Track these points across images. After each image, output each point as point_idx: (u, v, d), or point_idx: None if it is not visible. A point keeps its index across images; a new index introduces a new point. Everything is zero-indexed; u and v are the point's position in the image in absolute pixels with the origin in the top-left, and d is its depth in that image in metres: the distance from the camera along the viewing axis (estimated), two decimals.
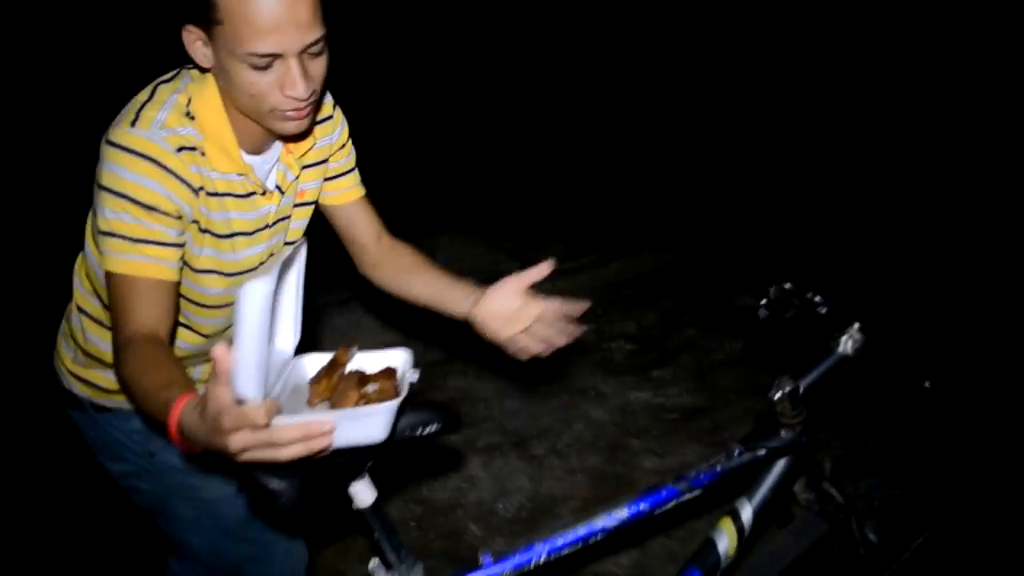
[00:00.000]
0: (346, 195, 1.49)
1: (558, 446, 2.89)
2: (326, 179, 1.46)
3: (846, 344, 1.33)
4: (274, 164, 1.34)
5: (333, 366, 1.10)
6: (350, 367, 1.12)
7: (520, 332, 1.34)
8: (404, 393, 1.03)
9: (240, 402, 0.91)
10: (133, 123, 1.17)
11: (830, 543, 1.46)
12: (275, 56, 1.10)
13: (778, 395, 1.33)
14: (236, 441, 0.90)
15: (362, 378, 1.07)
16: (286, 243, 1.42)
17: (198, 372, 1.48)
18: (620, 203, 5.00)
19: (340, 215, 1.51)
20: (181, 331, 1.38)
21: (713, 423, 2.97)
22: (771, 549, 1.45)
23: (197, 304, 1.35)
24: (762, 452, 1.36)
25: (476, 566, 1.25)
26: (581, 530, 1.29)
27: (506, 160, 5.60)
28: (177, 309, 1.23)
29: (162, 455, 1.43)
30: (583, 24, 7.20)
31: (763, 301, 1.40)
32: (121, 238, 1.15)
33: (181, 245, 1.22)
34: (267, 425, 0.90)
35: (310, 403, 1.09)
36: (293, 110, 1.16)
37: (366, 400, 1.04)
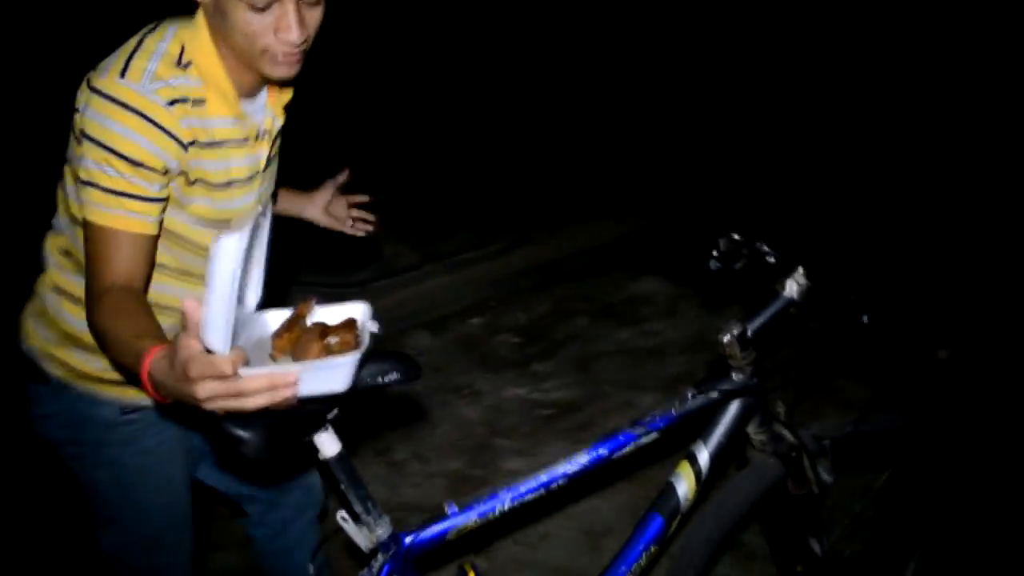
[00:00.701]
0: None
1: (421, 450, 2.85)
2: None
3: (791, 288, 1.38)
4: (263, 110, 1.35)
5: (295, 320, 1.12)
6: (311, 320, 1.15)
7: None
8: (365, 344, 1.06)
9: (208, 352, 0.93)
10: (123, 73, 1.15)
11: (785, 483, 1.51)
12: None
13: (727, 338, 1.38)
14: (203, 389, 0.92)
15: (324, 330, 1.10)
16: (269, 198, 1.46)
17: None
18: (531, 192, 5.03)
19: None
20: (187, 280, 1.38)
21: (586, 418, 2.98)
22: (729, 492, 1.50)
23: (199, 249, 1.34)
24: (715, 395, 1.41)
25: (442, 515, 1.29)
26: (543, 476, 1.33)
27: (412, 149, 5.58)
28: (153, 261, 1.24)
29: (116, 449, 1.42)
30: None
31: (714, 253, 1.44)
32: (102, 190, 1.15)
33: (164, 200, 1.21)
34: (234, 375, 0.93)
35: (273, 357, 1.12)
36: (284, 54, 1.18)
37: (328, 351, 1.07)
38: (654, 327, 3.55)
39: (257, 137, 1.34)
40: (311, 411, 1.11)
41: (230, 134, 1.28)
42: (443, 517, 1.28)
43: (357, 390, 1.12)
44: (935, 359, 1.14)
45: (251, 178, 1.35)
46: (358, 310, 1.15)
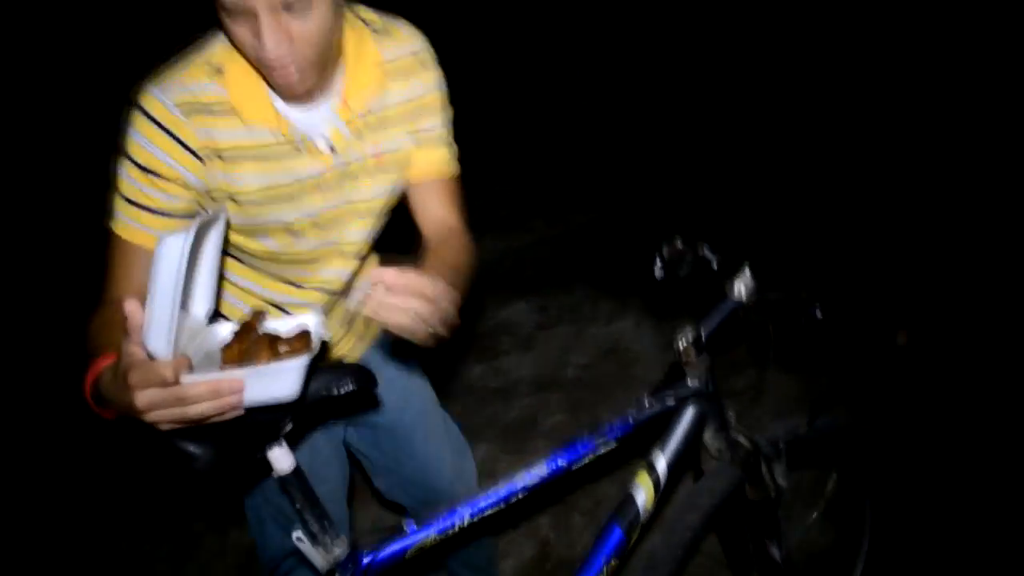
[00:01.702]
0: (420, 170, 1.38)
1: None
2: (414, 145, 1.36)
3: (739, 290, 1.40)
4: (327, 119, 1.25)
5: (245, 330, 1.09)
6: (263, 331, 1.12)
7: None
8: (314, 350, 1.04)
9: (151, 359, 0.90)
10: (154, 81, 1.14)
11: (743, 489, 1.51)
12: (243, 8, 1.03)
13: (682, 343, 1.39)
14: (143, 397, 0.89)
15: (274, 340, 1.07)
16: (361, 215, 1.35)
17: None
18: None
19: (412, 196, 1.41)
20: (274, 283, 1.40)
21: None
22: (689, 501, 1.49)
23: (268, 259, 1.35)
24: (671, 401, 1.41)
25: (402, 533, 1.25)
26: (502, 490, 1.30)
27: None
28: None
29: None
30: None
31: (657, 261, 1.45)
32: (121, 198, 1.16)
33: (183, 217, 1.18)
34: (175, 382, 0.90)
35: (223, 368, 1.08)
36: (273, 68, 1.09)
37: (277, 359, 1.04)
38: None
39: (308, 149, 1.24)
40: (262, 423, 1.08)
41: (260, 147, 1.20)
42: (402, 534, 1.25)
43: (309, 400, 1.09)
44: (894, 344, 1.16)
45: (300, 195, 1.26)
46: (310, 320, 1.13)
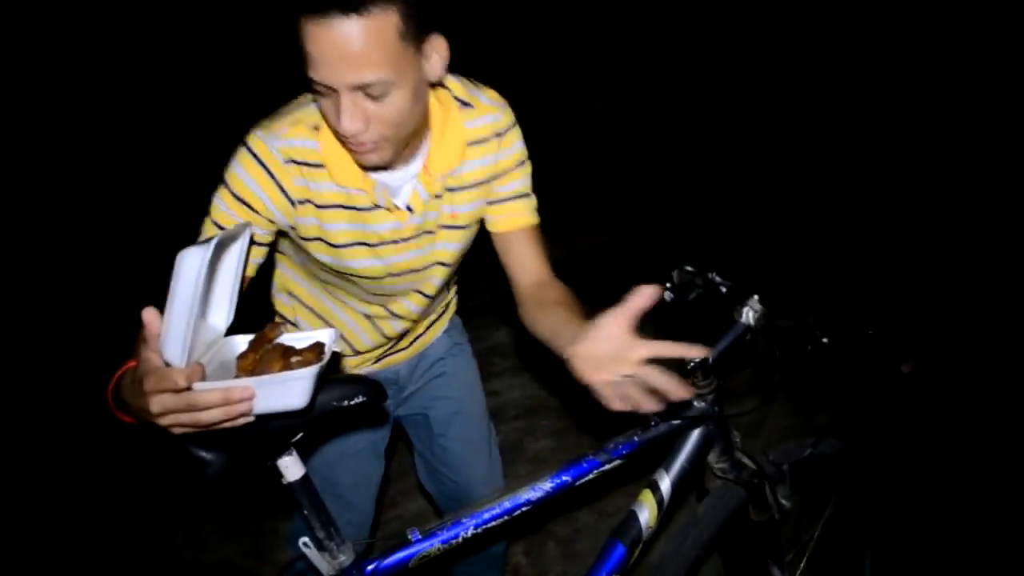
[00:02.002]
0: (505, 222, 1.48)
1: None
2: (489, 203, 1.48)
3: (747, 315, 1.41)
4: (408, 181, 1.37)
5: (259, 341, 1.13)
6: (278, 343, 1.15)
7: (609, 379, 1.11)
8: (323, 362, 1.07)
9: (167, 366, 0.94)
10: (265, 127, 1.27)
11: (747, 510, 1.53)
12: (328, 86, 1.12)
13: (691, 366, 1.41)
14: (157, 403, 0.93)
15: (287, 350, 1.10)
16: (439, 263, 1.50)
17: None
18: None
19: (498, 244, 1.51)
20: (351, 310, 1.58)
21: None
22: (695, 521, 1.51)
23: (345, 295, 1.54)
24: (677, 422, 1.43)
25: (406, 543, 1.28)
26: (506, 503, 1.33)
27: None
28: None
29: None
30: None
31: (668, 285, 1.47)
32: (210, 220, 1.28)
33: (263, 245, 1.33)
34: (188, 388, 0.93)
35: (236, 377, 1.12)
36: (350, 142, 1.20)
37: (289, 369, 1.07)
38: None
39: (388, 207, 1.36)
40: (273, 432, 1.11)
41: (350, 200, 1.33)
42: (406, 544, 1.28)
43: (320, 412, 1.12)
44: (899, 373, 1.16)
45: (380, 245, 1.39)
46: (326, 335, 1.17)
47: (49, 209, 4.93)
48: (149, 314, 0.95)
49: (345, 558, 1.23)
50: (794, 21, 6.34)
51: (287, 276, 1.61)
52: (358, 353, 1.65)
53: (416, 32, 1.13)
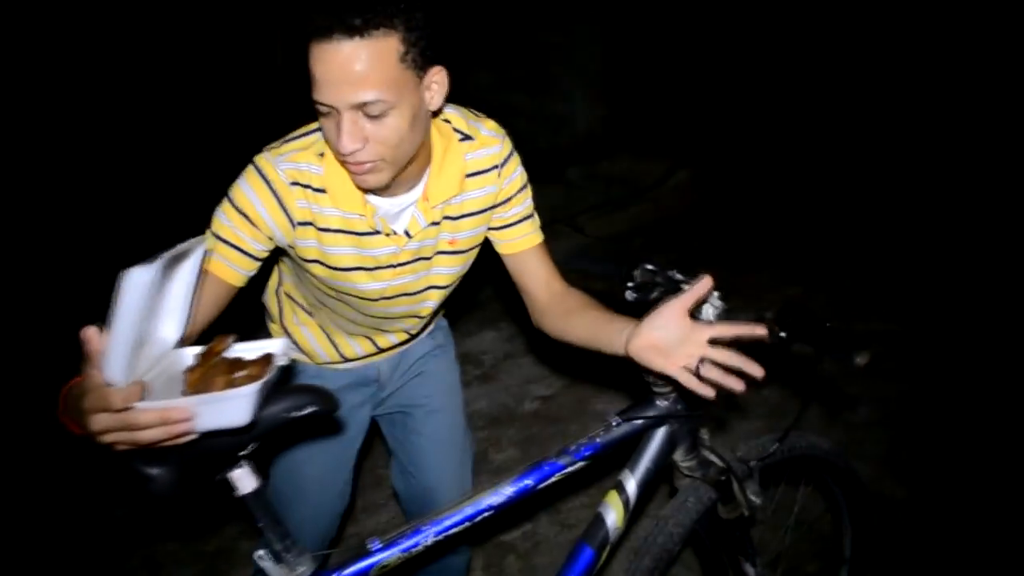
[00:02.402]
0: (513, 245, 1.56)
1: None
2: (491, 229, 1.55)
3: (708, 312, 1.40)
4: (407, 208, 1.42)
5: (208, 354, 1.12)
6: (229, 356, 1.15)
7: (686, 366, 1.21)
8: (267, 377, 1.06)
9: (108, 385, 0.93)
10: (273, 149, 1.33)
11: (716, 508, 1.52)
12: (329, 106, 1.18)
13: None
14: (96, 422, 0.93)
15: (233, 364, 1.10)
16: (433, 287, 1.56)
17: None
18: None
19: (509, 263, 1.58)
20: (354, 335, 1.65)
21: None
22: (663, 521, 1.50)
23: (342, 315, 1.59)
24: (639, 422, 1.42)
25: (366, 552, 1.27)
26: (468, 509, 1.32)
27: None
28: (221, 310, 1.38)
29: None
30: None
31: (629, 284, 1.45)
32: (213, 235, 1.33)
33: (258, 261, 1.38)
34: (125, 408, 0.93)
35: (185, 392, 1.11)
36: (347, 162, 1.25)
37: (232, 385, 1.06)
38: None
39: (389, 234, 1.42)
40: (220, 448, 1.11)
41: (348, 225, 1.38)
42: (366, 554, 1.27)
43: (267, 426, 1.12)
44: (854, 366, 1.16)
45: (377, 269, 1.45)
46: (276, 345, 1.16)
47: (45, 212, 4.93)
48: (89, 332, 0.95)
49: (304, 569, 1.23)
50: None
51: (287, 281, 1.66)
52: (346, 360, 1.68)
53: (417, 59, 1.20)
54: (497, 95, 5.30)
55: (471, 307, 4.00)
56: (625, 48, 6.07)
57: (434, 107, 1.30)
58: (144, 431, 0.95)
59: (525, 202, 1.55)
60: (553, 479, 1.37)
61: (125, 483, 1.21)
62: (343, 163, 1.27)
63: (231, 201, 1.33)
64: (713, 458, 1.48)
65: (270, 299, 1.72)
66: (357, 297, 1.50)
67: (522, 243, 1.55)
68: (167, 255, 1.03)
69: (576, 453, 1.38)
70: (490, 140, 1.47)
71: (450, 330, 1.91)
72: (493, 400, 3.37)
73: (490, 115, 1.53)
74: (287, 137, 1.37)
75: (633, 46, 6.12)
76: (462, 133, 1.46)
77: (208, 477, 1.14)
